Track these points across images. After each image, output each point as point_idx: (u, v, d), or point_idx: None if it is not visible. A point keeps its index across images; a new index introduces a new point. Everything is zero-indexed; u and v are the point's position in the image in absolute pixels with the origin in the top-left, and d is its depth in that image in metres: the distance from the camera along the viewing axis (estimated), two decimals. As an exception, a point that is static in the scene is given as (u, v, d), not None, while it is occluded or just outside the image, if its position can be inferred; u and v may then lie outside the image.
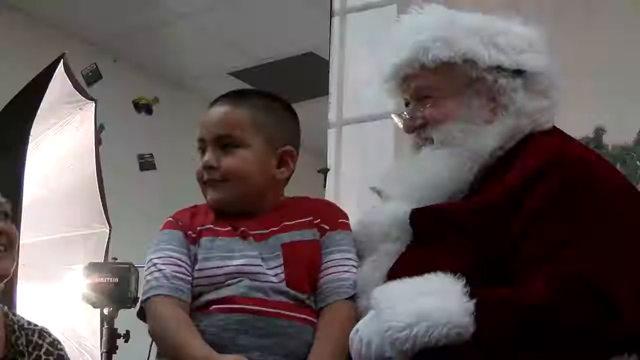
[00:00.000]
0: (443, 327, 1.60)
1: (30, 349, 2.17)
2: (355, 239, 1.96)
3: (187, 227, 1.93)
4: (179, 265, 1.89)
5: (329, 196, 3.70)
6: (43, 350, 2.19)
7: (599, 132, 3.14)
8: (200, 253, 1.90)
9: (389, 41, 1.98)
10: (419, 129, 1.93)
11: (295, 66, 6.05)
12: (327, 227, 1.95)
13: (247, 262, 1.87)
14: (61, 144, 4.38)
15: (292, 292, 1.86)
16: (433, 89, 1.90)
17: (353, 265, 1.92)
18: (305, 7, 5.40)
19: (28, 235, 3.83)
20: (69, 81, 4.33)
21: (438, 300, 1.62)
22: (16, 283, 3.58)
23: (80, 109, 4.39)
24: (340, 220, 1.98)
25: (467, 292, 1.63)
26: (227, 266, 1.87)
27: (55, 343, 2.23)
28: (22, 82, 4.34)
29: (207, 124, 1.97)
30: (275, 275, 1.87)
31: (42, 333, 2.22)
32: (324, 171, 3.76)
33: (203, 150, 1.96)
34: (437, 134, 1.89)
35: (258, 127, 1.94)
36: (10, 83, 4.42)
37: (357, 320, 1.78)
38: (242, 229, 1.91)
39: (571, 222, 1.67)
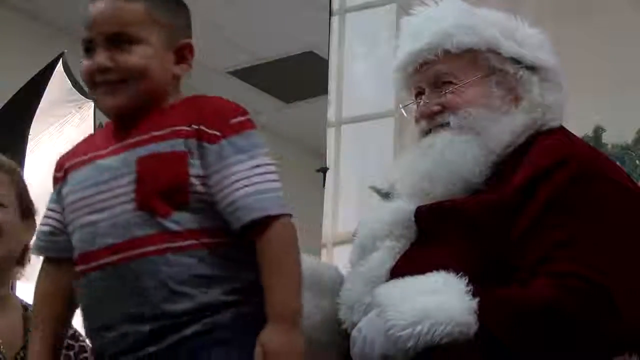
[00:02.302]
0: (446, 326, 1.60)
1: None
2: (357, 234, 1.89)
3: (58, 168, 1.82)
4: (48, 217, 1.80)
5: (328, 195, 3.71)
6: (64, 343, 2.18)
7: (599, 131, 3.15)
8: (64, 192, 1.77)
9: (405, 31, 1.94)
10: (434, 115, 1.88)
11: (295, 65, 6.05)
12: (219, 134, 1.66)
13: (96, 190, 1.70)
14: (60, 143, 4.37)
15: (145, 216, 1.64)
16: (454, 75, 1.86)
17: (268, 172, 1.65)
18: (304, 6, 5.40)
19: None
20: (68, 80, 4.33)
21: (441, 298, 1.62)
22: (15, 283, 3.57)
23: (79, 107, 4.39)
24: (234, 121, 1.69)
25: (470, 290, 1.63)
26: (81, 199, 1.72)
27: (76, 335, 2.23)
28: (21, 81, 4.34)
29: (95, 22, 1.76)
30: (125, 194, 1.67)
31: None
32: (323, 170, 3.76)
33: (88, 50, 1.76)
34: (456, 118, 1.84)
35: (155, 21, 1.74)
36: (10, 82, 4.42)
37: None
38: (90, 154, 1.74)
39: (574, 223, 1.66)
